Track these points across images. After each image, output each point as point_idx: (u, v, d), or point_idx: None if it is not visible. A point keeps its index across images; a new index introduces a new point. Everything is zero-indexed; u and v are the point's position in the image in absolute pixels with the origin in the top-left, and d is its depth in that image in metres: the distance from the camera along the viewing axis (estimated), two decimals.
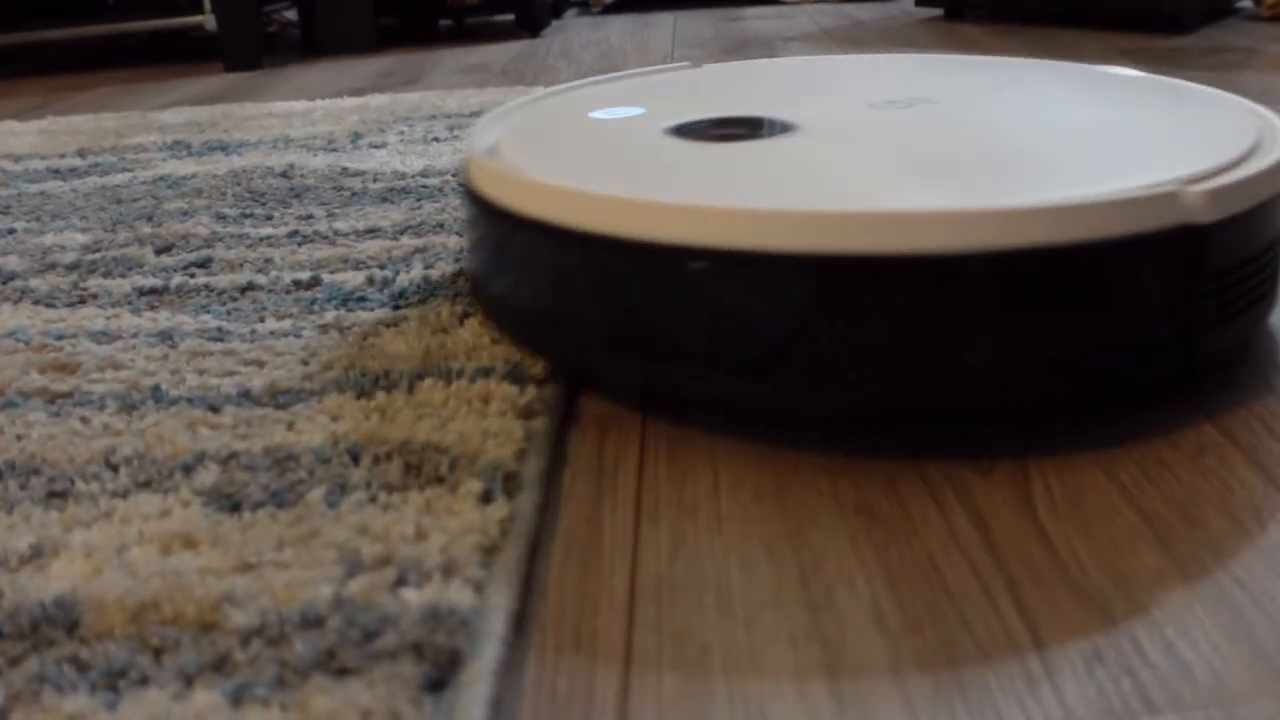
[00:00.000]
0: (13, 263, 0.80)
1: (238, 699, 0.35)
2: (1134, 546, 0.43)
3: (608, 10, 2.40)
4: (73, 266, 0.79)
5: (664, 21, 2.14)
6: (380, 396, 0.55)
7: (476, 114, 1.23)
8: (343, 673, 0.36)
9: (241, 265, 0.77)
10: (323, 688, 0.35)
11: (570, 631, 0.40)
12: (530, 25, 2.00)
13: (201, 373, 0.60)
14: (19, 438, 0.54)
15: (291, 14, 2.21)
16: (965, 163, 0.56)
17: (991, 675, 0.36)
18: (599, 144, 0.64)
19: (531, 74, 1.59)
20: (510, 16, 2.18)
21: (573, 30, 2.09)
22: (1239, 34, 1.57)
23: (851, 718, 0.35)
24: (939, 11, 1.96)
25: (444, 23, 2.13)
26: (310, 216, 0.88)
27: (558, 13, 2.29)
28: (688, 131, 0.64)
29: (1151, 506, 0.45)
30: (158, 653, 0.38)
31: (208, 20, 1.74)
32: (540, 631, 0.40)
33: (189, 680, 0.37)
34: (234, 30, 1.74)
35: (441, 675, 0.36)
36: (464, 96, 1.35)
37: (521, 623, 0.40)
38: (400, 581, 0.40)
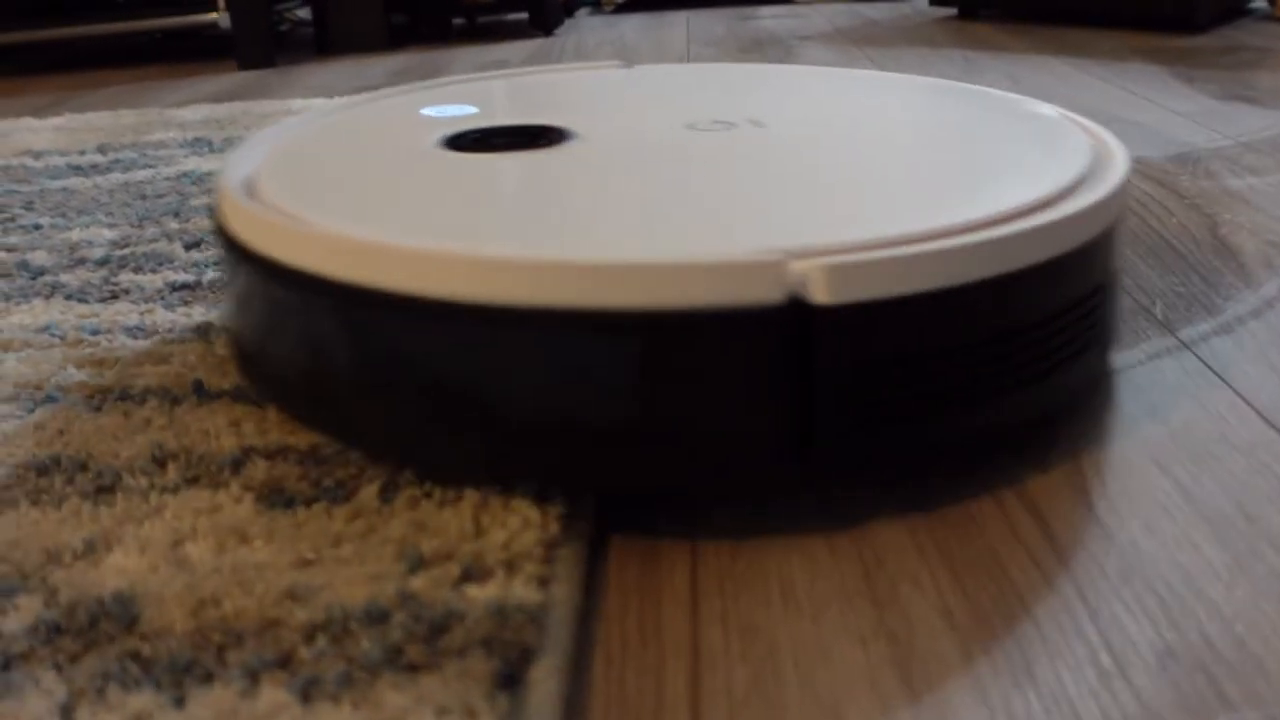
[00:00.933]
0: (41, 258, 0.80)
1: (307, 695, 0.35)
2: (1194, 542, 0.43)
3: (620, 9, 2.39)
4: (102, 262, 0.78)
5: (677, 20, 2.14)
6: None
7: None
8: (412, 669, 0.36)
9: None
10: (394, 684, 0.35)
11: (635, 626, 0.39)
12: (543, 24, 2.00)
13: None
14: (61, 433, 0.54)
15: (304, 12, 2.21)
16: (663, 202, 0.50)
17: (1065, 670, 0.36)
18: (358, 158, 0.59)
19: None
20: (523, 15, 2.18)
21: (586, 29, 2.08)
22: (1253, 34, 1.57)
23: (928, 715, 0.35)
24: (953, 11, 1.96)
25: (456, 21, 2.12)
26: None
27: (569, 11, 2.29)
28: (458, 143, 0.61)
29: (1209, 501, 0.45)
30: (220, 649, 0.38)
31: (221, 18, 1.74)
32: (605, 626, 0.39)
33: (254, 677, 0.36)
34: (247, 28, 1.74)
35: (512, 671, 0.35)
36: None
37: (586, 618, 0.40)
38: (464, 577, 0.40)
